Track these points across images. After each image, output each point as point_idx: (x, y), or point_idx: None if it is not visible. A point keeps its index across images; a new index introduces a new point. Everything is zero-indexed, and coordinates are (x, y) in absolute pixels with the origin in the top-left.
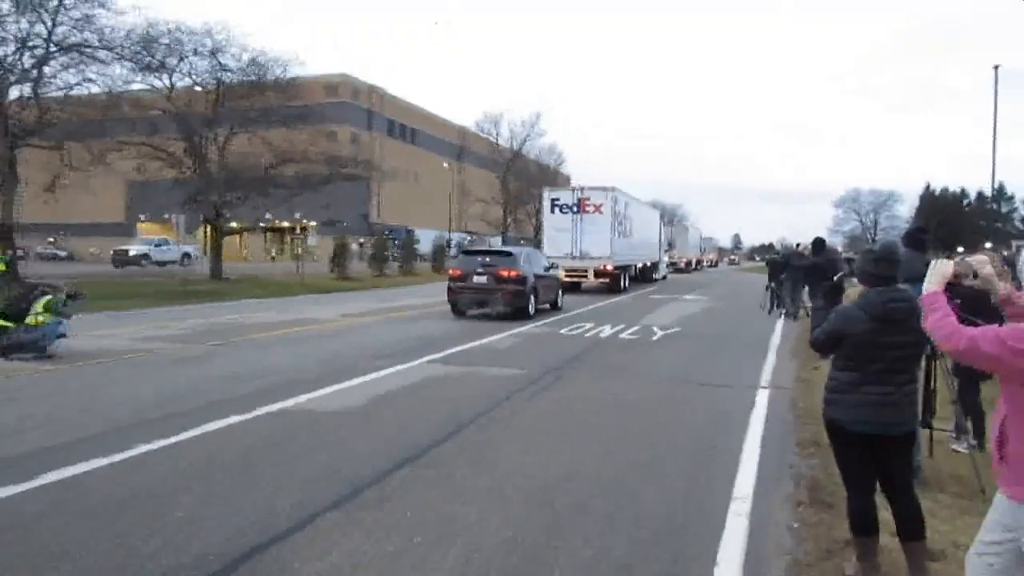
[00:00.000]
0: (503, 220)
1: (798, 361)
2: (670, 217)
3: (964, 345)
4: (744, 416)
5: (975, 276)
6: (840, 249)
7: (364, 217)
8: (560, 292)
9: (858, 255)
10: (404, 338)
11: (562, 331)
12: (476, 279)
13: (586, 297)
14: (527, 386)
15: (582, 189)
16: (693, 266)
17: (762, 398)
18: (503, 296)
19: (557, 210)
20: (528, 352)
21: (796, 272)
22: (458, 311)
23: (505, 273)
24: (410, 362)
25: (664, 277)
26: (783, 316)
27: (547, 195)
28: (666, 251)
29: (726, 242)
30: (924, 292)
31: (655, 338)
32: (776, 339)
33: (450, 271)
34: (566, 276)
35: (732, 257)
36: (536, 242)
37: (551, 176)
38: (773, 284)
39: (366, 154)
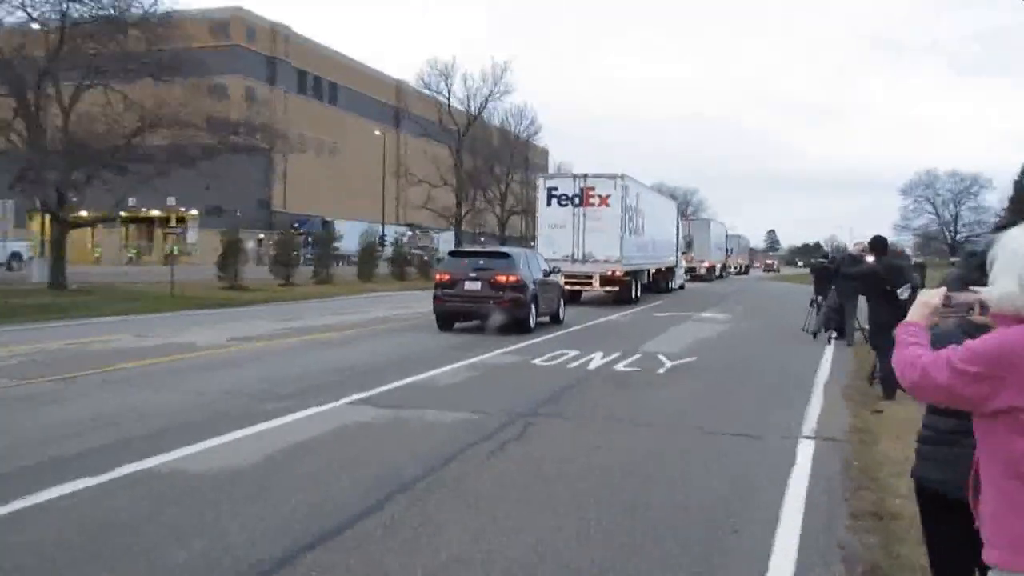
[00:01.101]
0: (456, 209)
1: (853, 403)
2: (683, 206)
3: (916, 377)
4: (778, 480)
5: (982, 310)
6: (909, 252)
7: (264, 204)
8: (562, 301)
9: (952, 261)
10: (319, 370)
11: (536, 361)
12: (468, 285)
13: (583, 311)
14: (484, 439)
15: (585, 176)
16: (717, 273)
17: (804, 454)
18: (500, 305)
19: (555, 202)
20: (488, 390)
21: (848, 282)
22: (445, 323)
23: (503, 278)
24: (325, 404)
25: (681, 286)
26: (832, 341)
27: (543, 184)
28: (683, 253)
29: (758, 241)
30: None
31: (661, 371)
32: (824, 373)
33: (436, 275)
34: (565, 283)
35: (769, 262)
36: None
37: (521, 149)
38: (820, 297)
39: (267, 118)
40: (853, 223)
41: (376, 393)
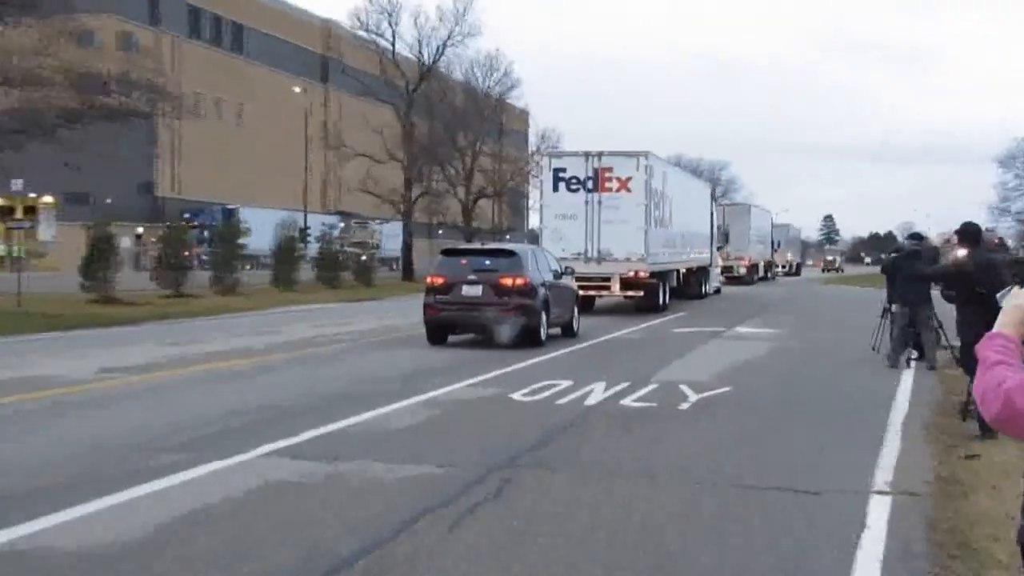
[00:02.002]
0: (406, 192)
1: (939, 445)
2: (711, 188)
3: (998, 408)
4: (843, 552)
5: None
6: (1011, 244)
7: (145, 189)
8: (576, 309)
9: None
10: (224, 411)
11: (516, 395)
12: (466, 290)
13: (592, 323)
14: (447, 502)
15: (600, 155)
16: (760, 273)
17: (876, 514)
18: (505, 314)
19: (563, 186)
20: (454, 435)
21: (912, 285)
22: (437, 336)
23: (508, 281)
24: (231, 457)
25: (716, 290)
26: (913, 363)
27: (548, 163)
28: (718, 248)
29: (811, 232)
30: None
31: (684, 406)
32: (900, 406)
33: (428, 279)
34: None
35: (829, 258)
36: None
37: (492, 112)
38: (894, 306)
39: (149, 71)
40: (935, 205)
41: (303, 440)
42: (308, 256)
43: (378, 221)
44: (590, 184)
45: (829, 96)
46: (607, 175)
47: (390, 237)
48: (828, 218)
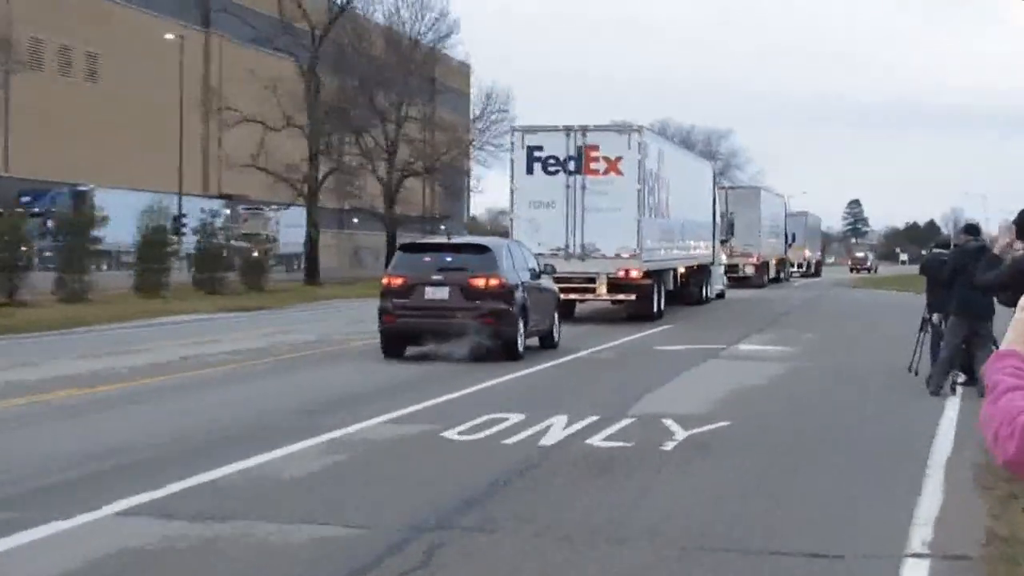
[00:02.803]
0: (311, 169)
1: (992, 495)
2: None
3: (1013, 448)
4: None
5: None
6: None
7: None
8: (557, 316)
9: None
10: (68, 455)
11: (451, 433)
12: (430, 293)
13: (566, 332)
14: None
15: (584, 130)
16: (772, 273)
17: None
18: (477, 322)
19: (538, 167)
20: (368, 486)
21: (972, 290)
22: (394, 348)
23: (480, 282)
24: (73, 517)
25: (719, 294)
26: (958, 388)
27: (520, 140)
28: (721, 241)
29: (833, 220)
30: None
31: (669, 447)
32: (943, 443)
33: (385, 280)
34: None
35: (860, 255)
36: (411, 221)
37: (424, 66)
38: (935, 317)
39: None
40: (992, 186)
41: (170, 494)
42: (183, 252)
43: (274, 207)
44: (572, 165)
45: (858, 45)
46: (593, 154)
47: (290, 228)
48: (854, 204)
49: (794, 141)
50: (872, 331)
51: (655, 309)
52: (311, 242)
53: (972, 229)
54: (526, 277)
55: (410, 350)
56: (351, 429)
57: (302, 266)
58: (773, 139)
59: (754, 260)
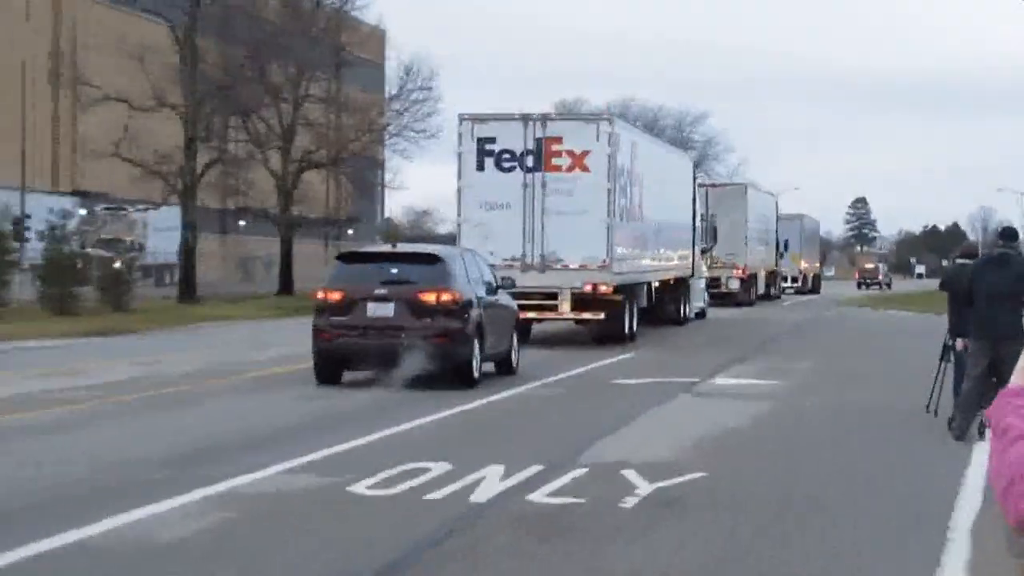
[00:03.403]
0: (187, 160)
1: None
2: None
3: None
4: None
5: None
6: None
7: None
8: (515, 336)
9: None
10: None
11: (359, 487)
12: (373, 309)
13: (523, 357)
14: None
15: (545, 120)
16: (761, 289)
17: None
18: (427, 342)
19: (490, 163)
20: (250, 556)
21: (996, 305)
22: (330, 373)
23: (431, 297)
24: None
25: (700, 313)
26: (985, 431)
27: (469, 130)
28: (702, 250)
29: (834, 223)
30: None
31: (630, 504)
32: (970, 500)
33: (319, 294)
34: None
35: (870, 266)
36: (310, 222)
37: (326, 32)
38: (960, 344)
39: None
40: None
41: (2, 567)
42: (25, 262)
43: (141, 207)
44: (530, 160)
45: (870, 5)
46: (555, 148)
47: (161, 232)
48: (859, 203)
49: (785, 125)
50: (882, 361)
51: (626, 330)
52: (187, 250)
53: (1009, 233)
54: (482, 291)
55: (347, 376)
56: (237, 482)
57: (176, 279)
58: (759, 123)
59: (740, 272)
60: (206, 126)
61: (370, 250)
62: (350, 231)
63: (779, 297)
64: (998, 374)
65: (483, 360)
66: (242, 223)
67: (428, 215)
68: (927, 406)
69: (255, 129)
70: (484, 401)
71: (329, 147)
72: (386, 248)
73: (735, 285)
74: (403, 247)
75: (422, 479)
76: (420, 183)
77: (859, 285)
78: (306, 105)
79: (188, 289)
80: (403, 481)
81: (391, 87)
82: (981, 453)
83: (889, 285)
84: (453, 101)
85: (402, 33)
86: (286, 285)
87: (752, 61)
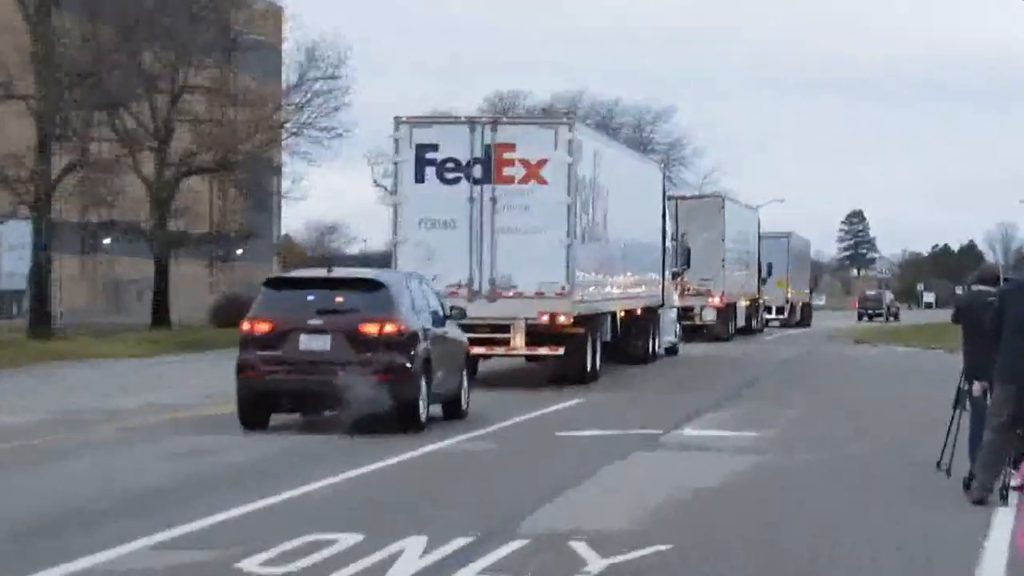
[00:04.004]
0: (39, 162)
1: None
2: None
3: None
4: None
5: None
6: None
7: None
8: (465, 375)
9: None
10: None
11: (250, 565)
12: (307, 342)
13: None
14: None
15: (495, 124)
16: (741, 321)
17: None
18: (369, 381)
19: (432, 173)
20: None
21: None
22: (257, 415)
23: (373, 329)
24: None
25: (671, 349)
26: (1009, 494)
27: (407, 135)
28: (673, 274)
29: (825, 242)
30: None
31: None
32: None
33: (246, 325)
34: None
35: (872, 293)
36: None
37: (211, 9)
38: (977, 387)
39: None
40: None
41: None
42: None
43: None
44: (478, 171)
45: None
46: (507, 156)
47: (9, 250)
48: (855, 217)
49: (766, 124)
50: (884, 408)
51: (588, 368)
52: (39, 273)
53: None
54: (429, 322)
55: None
56: (98, 559)
57: (25, 307)
58: (735, 121)
59: (716, 301)
60: (64, 122)
61: (302, 275)
62: (240, 251)
63: (761, 330)
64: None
65: (430, 401)
66: (108, 240)
67: (335, 231)
68: (938, 463)
69: (124, 126)
70: (414, 454)
71: (215, 148)
72: (321, 272)
73: (710, 316)
74: (340, 271)
75: (326, 553)
76: (326, 193)
77: (860, 316)
78: (187, 97)
79: (41, 320)
80: (304, 556)
81: (290, 75)
82: (1004, 520)
83: (896, 316)
84: (366, 93)
85: (304, 10)
86: (161, 315)
87: (726, 47)
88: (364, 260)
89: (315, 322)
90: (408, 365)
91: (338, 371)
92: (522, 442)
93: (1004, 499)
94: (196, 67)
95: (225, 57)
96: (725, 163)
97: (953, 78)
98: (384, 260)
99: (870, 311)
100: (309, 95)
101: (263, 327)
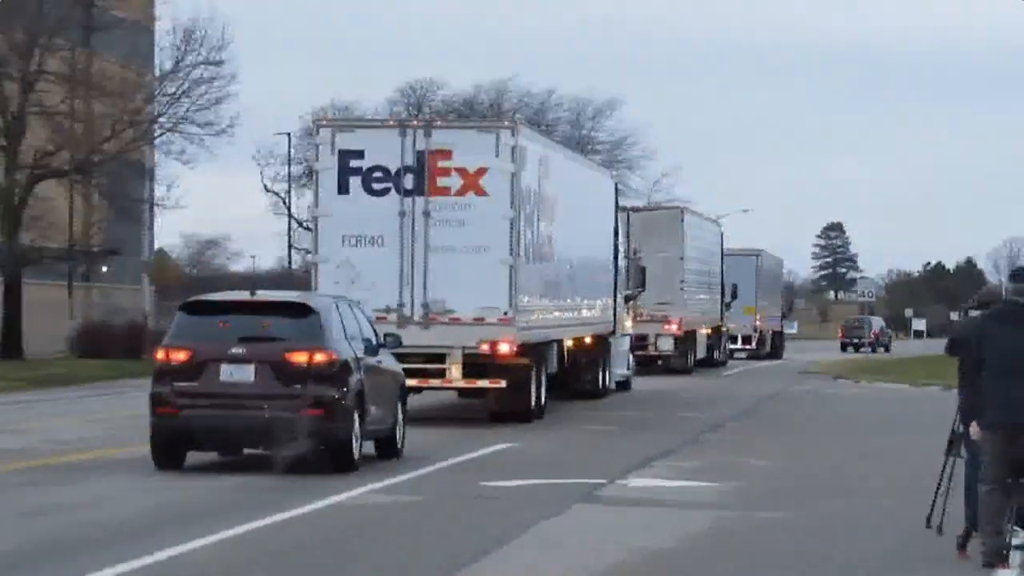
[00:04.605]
0: None
1: None
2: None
3: None
4: None
5: None
6: None
7: None
8: (402, 409)
9: None
10: None
11: None
12: (228, 373)
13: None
14: None
15: (429, 127)
16: (703, 351)
17: None
18: (297, 417)
19: (357, 184)
20: None
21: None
22: (170, 455)
23: (302, 358)
24: None
25: (623, 383)
26: (1011, 554)
27: (329, 140)
28: (626, 298)
29: (799, 260)
30: None
31: None
32: None
33: (160, 354)
34: None
35: (856, 320)
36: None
37: None
38: (975, 430)
39: None
40: None
41: None
42: None
43: None
44: (410, 181)
45: None
46: (442, 164)
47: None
48: (834, 231)
49: (728, 121)
50: (867, 456)
51: (533, 404)
52: None
53: None
54: (362, 351)
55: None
56: None
57: None
58: (691, 117)
59: (674, 328)
60: None
61: (222, 298)
62: (105, 268)
63: (725, 363)
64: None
65: (363, 438)
66: None
67: (217, 246)
68: (928, 519)
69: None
70: (320, 504)
71: (74, 147)
72: (243, 295)
73: (667, 346)
74: (264, 295)
75: None
76: (206, 200)
77: (844, 347)
78: (41, 85)
79: None
80: None
81: (164, 61)
82: None
83: (887, 347)
84: (255, 83)
85: None
86: (11, 346)
87: (682, 29)
88: (246, 281)
89: (237, 351)
90: (340, 399)
91: (263, 406)
92: (447, 492)
93: (1004, 560)
94: (51, 50)
95: (85, 37)
96: (680, 166)
97: (953, 66)
98: (280, 280)
99: (853, 341)
100: (186, 84)
101: (179, 356)
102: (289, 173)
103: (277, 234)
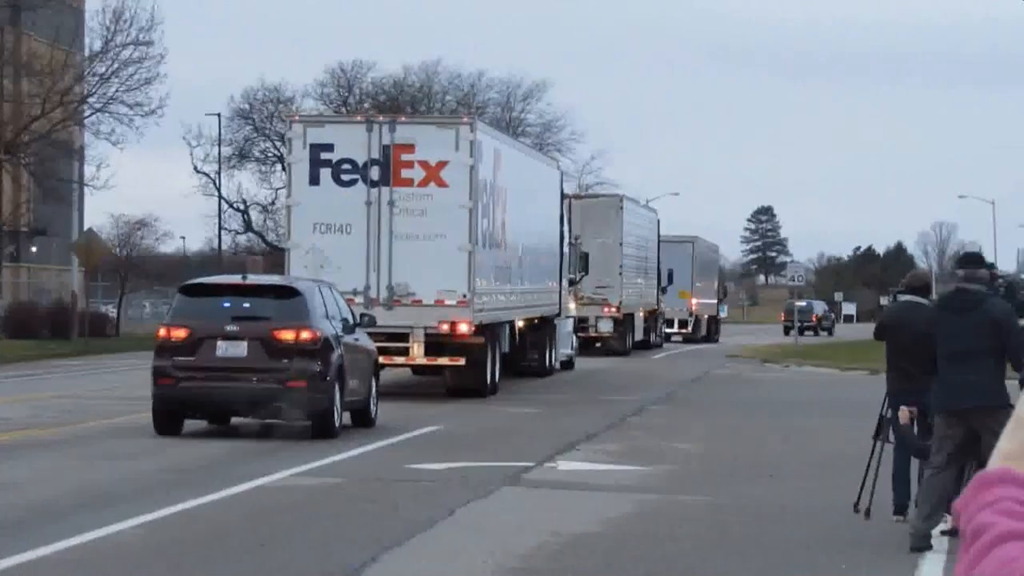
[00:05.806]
0: None
1: None
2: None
3: None
4: None
5: None
6: None
7: None
8: (375, 383)
9: None
10: None
11: None
12: (223, 349)
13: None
14: None
15: (394, 124)
16: (640, 335)
17: None
18: (284, 388)
19: (327, 175)
20: None
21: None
22: (169, 422)
23: (289, 335)
24: None
25: (567, 363)
26: (945, 539)
27: (301, 135)
28: (570, 282)
29: (729, 245)
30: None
31: None
32: None
33: (162, 332)
34: None
35: (802, 304)
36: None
37: None
38: (905, 413)
39: None
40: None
41: None
42: None
43: None
44: (376, 172)
45: None
46: (405, 158)
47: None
48: (764, 215)
49: (657, 104)
50: (793, 440)
51: (488, 380)
52: None
53: (973, 259)
54: (340, 330)
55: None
56: None
57: None
58: (619, 100)
59: (613, 311)
60: None
61: (217, 281)
62: (33, 248)
63: (661, 345)
64: (974, 454)
65: (343, 409)
66: None
67: (146, 227)
68: (855, 504)
69: None
70: (247, 486)
71: (2, 126)
72: (235, 279)
73: (606, 327)
74: (255, 278)
75: None
76: (135, 181)
77: (787, 330)
78: None
79: None
80: None
81: (93, 41)
82: (933, 570)
83: (830, 331)
84: (185, 64)
85: None
86: None
87: (607, 10)
88: (178, 262)
89: (231, 328)
90: (323, 372)
91: (253, 378)
92: (376, 474)
93: (928, 545)
94: None
95: (13, 16)
96: (608, 149)
97: (885, 48)
98: (207, 261)
99: (797, 323)
100: (116, 64)
101: (179, 333)
102: (220, 154)
103: (207, 216)
